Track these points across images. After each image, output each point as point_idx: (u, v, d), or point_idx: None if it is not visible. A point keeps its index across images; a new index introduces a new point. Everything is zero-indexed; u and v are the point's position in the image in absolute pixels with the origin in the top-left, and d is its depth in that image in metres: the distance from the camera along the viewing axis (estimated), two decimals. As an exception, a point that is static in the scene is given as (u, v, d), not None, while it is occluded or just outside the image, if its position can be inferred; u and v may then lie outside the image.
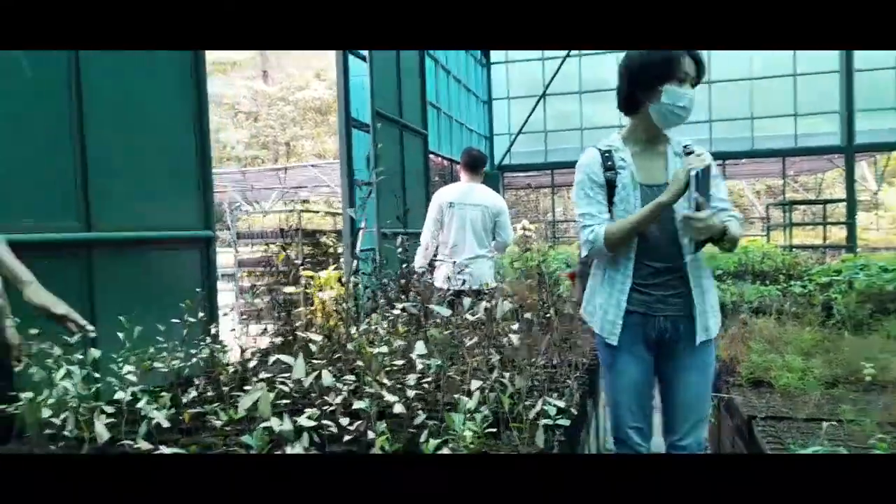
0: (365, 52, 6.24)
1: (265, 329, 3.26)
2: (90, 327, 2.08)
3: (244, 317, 7.68)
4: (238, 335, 2.96)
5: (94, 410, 1.69)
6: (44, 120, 2.67)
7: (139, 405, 1.68)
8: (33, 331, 2.02)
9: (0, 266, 2.00)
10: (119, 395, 1.66)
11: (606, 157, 2.22)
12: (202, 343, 2.49)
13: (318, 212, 9.40)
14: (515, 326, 2.02)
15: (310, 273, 3.71)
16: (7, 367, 2.09)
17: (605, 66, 12.67)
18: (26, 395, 1.63)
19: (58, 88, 2.73)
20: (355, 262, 5.90)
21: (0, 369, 2.02)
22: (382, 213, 6.19)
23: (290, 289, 3.75)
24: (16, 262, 2.05)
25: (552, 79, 12.65)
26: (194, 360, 2.36)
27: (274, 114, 26.02)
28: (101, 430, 1.50)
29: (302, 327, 3.09)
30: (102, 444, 1.57)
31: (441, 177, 9.63)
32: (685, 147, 2.25)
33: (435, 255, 4.49)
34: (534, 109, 12.86)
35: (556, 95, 13.04)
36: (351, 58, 6.13)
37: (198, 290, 3.29)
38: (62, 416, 1.60)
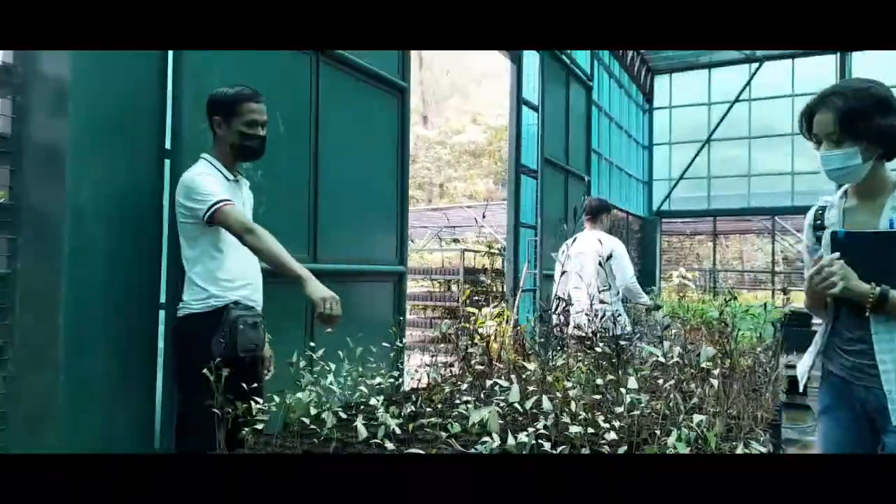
0: (536, 102, 6.57)
1: (434, 358, 3.55)
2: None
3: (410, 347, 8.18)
4: (430, 361, 3.27)
5: (343, 411, 2.03)
6: (288, 165, 3.20)
7: (378, 413, 1.98)
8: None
9: (281, 265, 2.32)
10: (373, 401, 1.98)
11: (819, 213, 2.03)
12: (400, 365, 2.82)
13: (479, 251, 9.82)
14: (717, 371, 2.09)
15: (473, 310, 3.98)
16: (259, 374, 2.53)
17: (775, 111, 12.08)
18: (297, 394, 1.99)
19: (302, 138, 3.26)
20: (517, 300, 6.13)
21: (255, 375, 2.45)
22: (546, 255, 6.39)
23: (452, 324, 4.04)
24: (294, 262, 2.34)
25: (719, 123, 12.26)
26: (400, 380, 2.68)
27: (431, 156, 27.43)
28: (362, 430, 1.81)
29: (483, 358, 3.34)
30: (358, 442, 1.89)
31: (599, 221, 9.66)
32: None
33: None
34: (698, 154, 12.52)
35: (722, 141, 12.59)
36: (524, 108, 6.47)
37: (392, 317, 3.68)
38: (324, 415, 1.95)
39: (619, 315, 4.45)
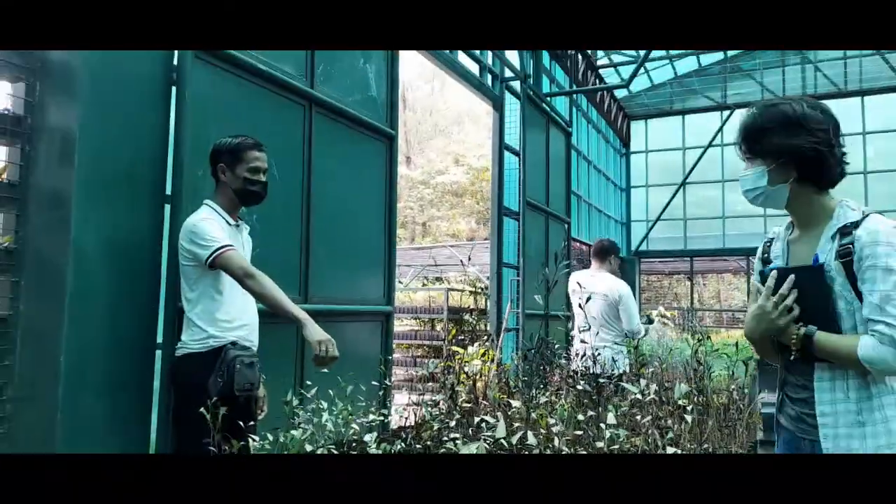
0: (517, 147, 6.80)
1: (421, 396, 3.63)
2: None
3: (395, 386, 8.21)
4: (418, 400, 3.36)
5: (335, 447, 2.12)
6: (282, 209, 3.32)
7: (370, 450, 2.07)
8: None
9: (280, 309, 2.42)
10: (366, 437, 2.07)
11: (767, 246, 1.87)
12: (389, 403, 2.91)
13: (463, 290, 9.94)
14: (690, 408, 2.22)
15: (457, 348, 4.09)
16: (253, 413, 2.60)
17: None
18: (297, 431, 2.08)
19: (295, 184, 3.40)
20: (500, 340, 6.23)
21: (249, 414, 2.52)
22: (528, 295, 6.52)
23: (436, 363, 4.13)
24: (292, 305, 2.45)
25: (693, 166, 12.66)
26: (388, 418, 2.77)
27: (414, 196, 27.71)
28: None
29: (470, 397, 3.43)
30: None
31: (580, 261, 9.86)
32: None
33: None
34: (674, 196, 12.88)
35: (697, 184, 12.98)
36: (506, 152, 6.70)
37: (380, 355, 3.77)
38: (319, 451, 2.04)
39: (620, 354, 4.58)
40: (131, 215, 2.61)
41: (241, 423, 2.09)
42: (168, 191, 2.74)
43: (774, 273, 1.64)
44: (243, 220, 2.74)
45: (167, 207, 2.73)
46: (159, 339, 2.67)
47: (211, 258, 2.40)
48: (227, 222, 2.58)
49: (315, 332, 2.36)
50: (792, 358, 1.61)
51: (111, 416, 2.49)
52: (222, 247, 2.40)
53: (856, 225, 1.56)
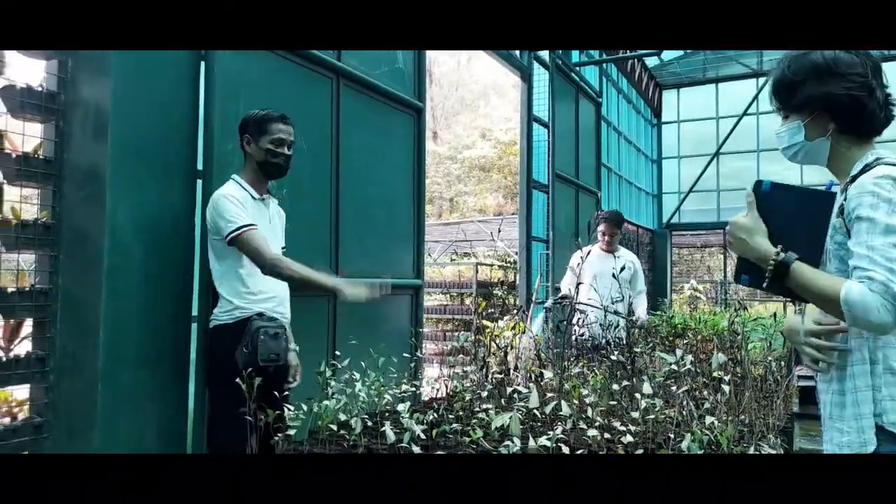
0: (546, 119, 6.70)
1: (452, 368, 3.64)
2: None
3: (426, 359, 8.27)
4: (449, 372, 3.36)
5: (368, 418, 2.13)
6: (311, 183, 3.33)
7: (403, 420, 2.08)
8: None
9: (308, 286, 2.49)
10: (399, 407, 2.08)
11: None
12: (420, 375, 2.92)
13: (492, 265, 9.91)
14: (728, 378, 2.18)
15: (488, 322, 4.08)
16: (284, 383, 2.63)
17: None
18: (327, 401, 2.10)
19: (323, 157, 3.39)
20: (531, 312, 6.21)
21: (280, 384, 2.55)
22: (558, 268, 6.47)
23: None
24: (321, 277, 2.50)
25: (727, 136, 12.34)
26: (420, 389, 2.78)
27: (441, 171, 27.63)
28: (390, 434, 1.91)
29: (502, 367, 3.43)
30: (388, 445, 1.99)
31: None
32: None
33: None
34: (706, 168, 12.59)
35: (730, 154, 12.67)
36: (535, 124, 6.60)
37: (410, 328, 3.78)
38: (352, 421, 2.05)
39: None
40: (164, 190, 2.63)
41: (275, 392, 2.11)
42: (199, 166, 2.76)
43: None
44: (271, 194, 2.75)
45: (199, 182, 2.75)
46: (195, 312, 2.71)
47: (230, 236, 2.44)
48: (252, 196, 2.60)
49: (355, 292, 2.47)
50: (765, 285, 1.44)
51: (150, 386, 2.54)
52: (241, 227, 2.43)
53: (853, 178, 1.42)
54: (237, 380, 2.06)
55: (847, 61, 1.45)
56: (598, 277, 4.71)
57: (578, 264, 4.62)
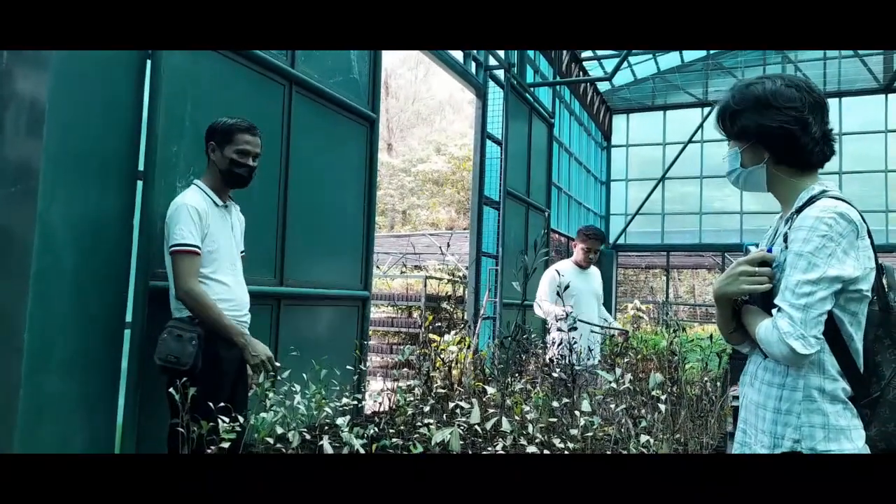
0: (500, 136, 6.77)
1: (396, 382, 3.61)
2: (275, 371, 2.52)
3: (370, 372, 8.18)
4: (393, 386, 3.33)
5: (307, 431, 2.09)
6: (259, 190, 3.25)
7: (343, 434, 2.04)
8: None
9: (214, 326, 2.43)
10: (339, 421, 2.04)
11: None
12: (363, 388, 2.88)
13: (441, 279, 9.91)
14: (664, 397, 2.23)
15: (434, 336, 4.07)
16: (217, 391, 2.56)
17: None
18: (263, 414, 2.04)
19: (272, 164, 3.33)
20: (478, 327, 6.23)
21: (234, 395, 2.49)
22: (506, 283, 6.52)
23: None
24: (231, 327, 2.47)
25: (673, 162, 12.75)
26: (362, 403, 2.75)
27: (395, 184, 27.57)
28: (328, 448, 1.87)
29: (445, 382, 3.42)
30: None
31: (558, 252, 9.90)
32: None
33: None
34: (652, 191, 12.96)
35: (676, 179, 13.09)
36: (488, 141, 6.67)
37: (355, 341, 3.74)
38: (290, 434, 2.00)
39: (596, 344, 4.62)
40: (102, 191, 2.53)
41: (209, 403, 2.04)
42: (140, 167, 2.67)
43: (752, 248, 1.56)
44: (233, 201, 2.74)
45: (139, 184, 2.66)
46: (129, 319, 2.61)
47: (171, 248, 2.44)
48: (214, 202, 2.58)
49: (259, 351, 2.45)
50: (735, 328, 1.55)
51: (77, 395, 2.42)
52: (183, 245, 2.42)
53: (800, 210, 1.46)
54: (170, 389, 1.99)
55: (785, 95, 1.50)
56: (581, 295, 4.72)
57: (558, 281, 4.58)
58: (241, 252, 2.76)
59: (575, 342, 3.68)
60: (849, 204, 1.42)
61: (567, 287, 4.06)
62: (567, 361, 3.56)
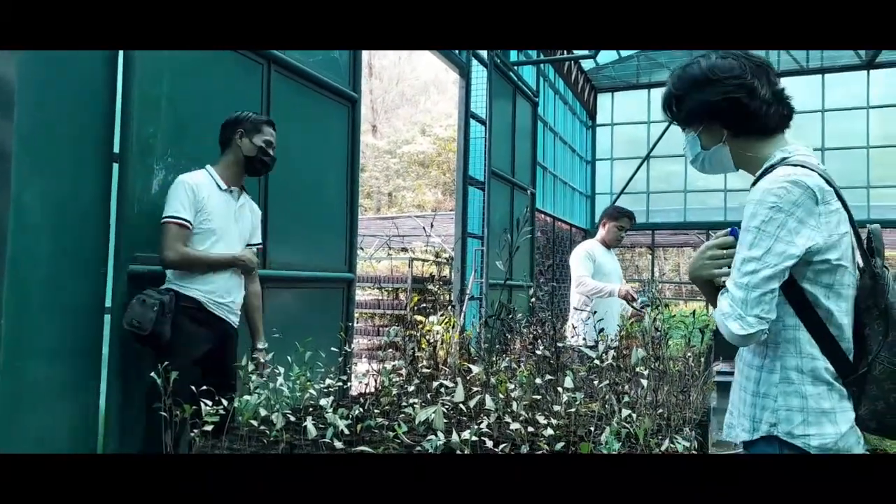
0: (484, 116, 6.74)
1: (382, 363, 3.61)
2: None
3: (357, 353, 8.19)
4: (378, 367, 3.33)
5: (291, 413, 2.08)
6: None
7: (327, 415, 2.04)
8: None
9: (213, 267, 2.59)
10: (323, 402, 2.03)
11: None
12: (348, 370, 2.88)
13: (427, 260, 9.90)
14: (646, 373, 2.24)
15: (421, 317, 4.07)
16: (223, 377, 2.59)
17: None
18: (248, 396, 2.03)
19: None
20: (464, 307, 6.24)
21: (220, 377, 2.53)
22: (491, 264, 6.53)
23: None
24: (221, 257, 2.63)
25: (658, 140, 12.77)
26: (348, 384, 2.74)
27: (380, 166, 27.42)
28: (311, 429, 1.86)
29: (430, 363, 3.42)
30: (307, 443, 1.94)
31: (543, 232, 9.91)
32: None
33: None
34: (637, 170, 12.99)
35: (661, 158, 13.12)
36: (472, 121, 6.63)
37: (340, 323, 3.72)
38: (273, 416, 1.99)
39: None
40: (76, 173, 2.48)
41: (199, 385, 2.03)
42: (116, 149, 2.62)
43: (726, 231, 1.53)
44: (244, 189, 2.81)
45: (115, 166, 2.61)
46: (108, 303, 2.57)
47: (163, 219, 2.53)
48: (218, 186, 2.67)
49: (245, 257, 2.71)
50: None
51: (58, 381, 2.40)
52: (172, 216, 2.52)
53: (756, 182, 1.40)
54: (152, 374, 1.98)
55: (722, 66, 1.46)
56: (612, 274, 4.66)
57: (593, 258, 4.53)
58: (258, 244, 2.93)
59: (602, 330, 3.63)
60: (809, 169, 1.35)
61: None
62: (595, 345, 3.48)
